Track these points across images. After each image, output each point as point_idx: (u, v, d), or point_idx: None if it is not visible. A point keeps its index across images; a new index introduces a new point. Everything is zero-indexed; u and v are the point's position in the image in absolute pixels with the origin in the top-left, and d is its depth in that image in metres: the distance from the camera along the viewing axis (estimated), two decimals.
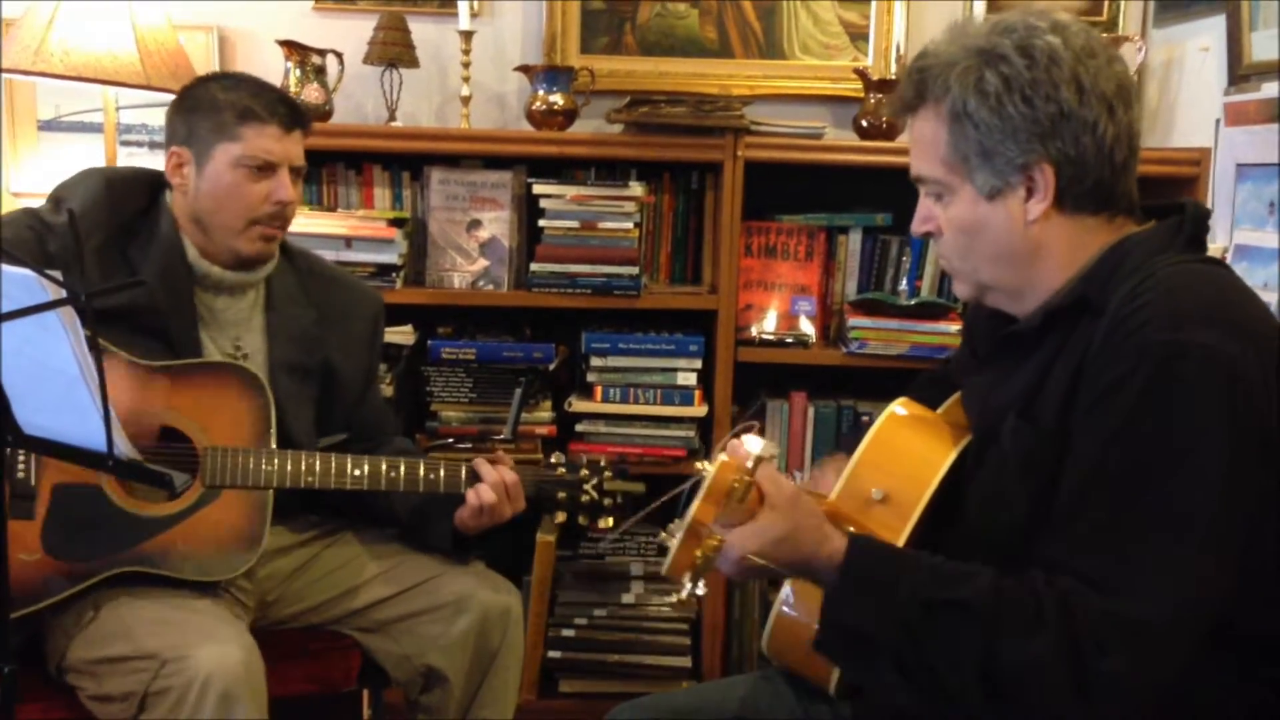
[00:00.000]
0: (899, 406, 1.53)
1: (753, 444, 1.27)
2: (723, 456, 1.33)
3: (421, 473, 1.99)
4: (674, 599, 1.35)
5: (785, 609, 1.49)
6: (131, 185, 2.02)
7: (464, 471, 2.00)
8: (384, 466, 1.98)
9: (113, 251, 1.94)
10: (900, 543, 1.38)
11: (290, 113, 1.99)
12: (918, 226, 1.44)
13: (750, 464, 1.26)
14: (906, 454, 1.46)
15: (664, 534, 1.36)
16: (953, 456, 1.44)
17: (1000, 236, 1.36)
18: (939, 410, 1.58)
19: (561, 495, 2.06)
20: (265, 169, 1.96)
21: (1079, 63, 1.30)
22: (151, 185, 2.04)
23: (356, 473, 1.97)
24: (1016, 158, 1.31)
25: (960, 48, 1.33)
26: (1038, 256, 1.36)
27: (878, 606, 1.27)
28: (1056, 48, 1.30)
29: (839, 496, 1.43)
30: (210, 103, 1.96)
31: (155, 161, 2.41)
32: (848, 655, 1.34)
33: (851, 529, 1.39)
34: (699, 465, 1.34)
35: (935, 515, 1.41)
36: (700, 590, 1.30)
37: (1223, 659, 1.26)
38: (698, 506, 1.28)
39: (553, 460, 2.12)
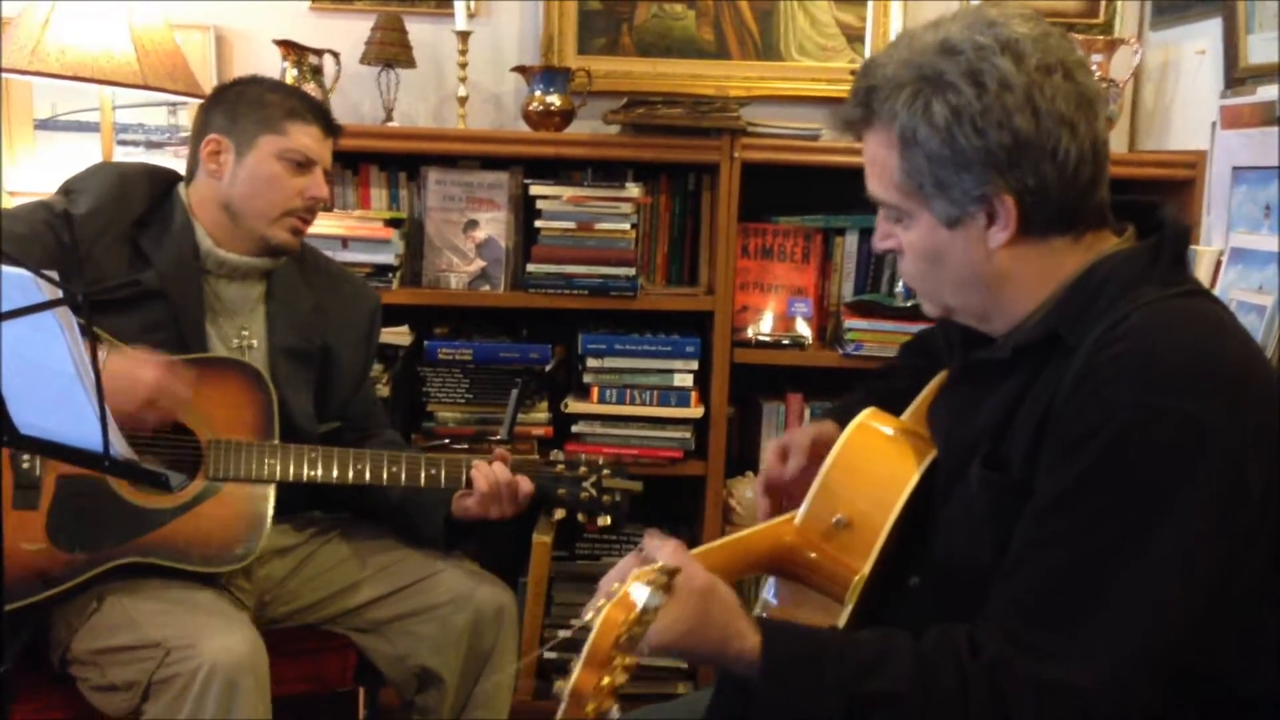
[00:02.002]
0: (866, 419, 1.46)
1: (639, 594, 1.13)
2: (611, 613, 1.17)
3: (423, 468, 2.01)
4: None
5: (764, 616, 1.46)
6: (144, 179, 2.06)
7: (465, 469, 2.02)
8: (386, 461, 2.00)
9: (126, 244, 1.97)
10: (866, 569, 1.32)
11: (330, 122, 2.11)
12: (878, 243, 1.37)
13: (636, 614, 1.14)
14: (871, 475, 1.40)
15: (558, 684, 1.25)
16: (917, 476, 1.38)
17: (962, 264, 1.29)
18: (908, 410, 1.54)
19: (561, 492, 2.08)
20: (304, 165, 2.04)
21: (1033, 85, 1.20)
22: (164, 180, 2.09)
23: (359, 466, 1.99)
24: (973, 189, 1.23)
25: (906, 65, 1.25)
26: (1004, 283, 1.29)
27: (803, 707, 1.18)
28: (1008, 73, 1.20)
29: (803, 522, 1.39)
30: (257, 99, 2.04)
31: (151, 161, 2.41)
32: None
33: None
34: (588, 615, 1.18)
35: (905, 533, 1.38)
36: (615, 715, 1.16)
37: (1204, 710, 1.22)
38: (579, 674, 1.14)
39: (551, 458, 2.14)
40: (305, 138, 2.04)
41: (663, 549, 1.24)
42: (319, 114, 2.08)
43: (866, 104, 1.29)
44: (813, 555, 1.38)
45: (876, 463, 1.42)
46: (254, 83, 2.09)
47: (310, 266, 2.20)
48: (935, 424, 1.45)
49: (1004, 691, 1.14)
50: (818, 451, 1.49)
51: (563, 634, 1.20)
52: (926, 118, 1.23)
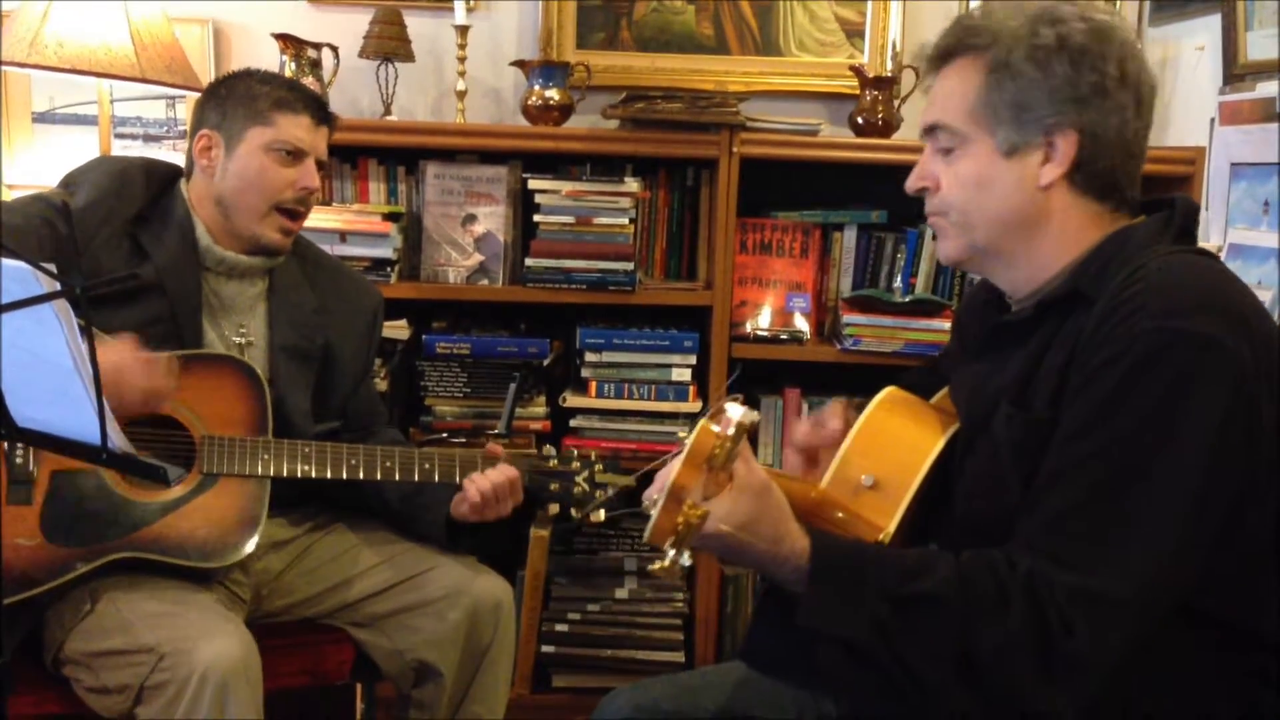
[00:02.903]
0: (891, 392, 1.52)
1: (734, 411, 1.21)
2: (706, 423, 1.27)
3: (417, 463, 2.01)
4: (656, 566, 1.22)
5: None
6: (145, 174, 2.05)
7: (459, 463, 2.03)
8: (380, 456, 2.00)
9: (125, 239, 1.97)
10: (891, 528, 1.37)
11: (321, 109, 2.08)
12: (915, 182, 1.43)
13: (732, 430, 1.21)
14: (897, 440, 1.45)
15: (645, 502, 1.32)
16: (943, 442, 1.44)
17: (1008, 196, 1.35)
18: (931, 400, 1.58)
19: (554, 486, 2.09)
20: (294, 155, 2.02)
21: (1126, 49, 1.33)
22: (165, 175, 2.07)
23: (353, 462, 1.99)
24: (1047, 117, 1.32)
25: (1018, 10, 1.35)
26: (1038, 226, 1.36)
27: (849, 609, 1.24)
28: (1114, 25, 1.33)
29: (830, 483, 1.42)
30: (246, 91, 2.03)
31: (149, 154, 2.41)
32: (824, 659, 1.29)
33: (828, 515, 1.38)
34: (681, 435, 1.30)
35: (926, 500, 1.41)
36: (685, 560, 1.22)
37: (1208, 647, 1.26)
38: (680, 470, 1.23)
39: (544, 452, 2.15)
40: (294, 128, 2.02)
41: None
42: (308, 103, 2.06)
43: (966, 33, 1.37)
44: (839, 514, 1.41)
45: (902, 429, 1.47)
46: (245, 75, 2.07)
47: (311, 263, 2.19)
48: (957, 391, 1.51)
49: (1042, 600, 1.19)
50: (850, 421, 1.54)
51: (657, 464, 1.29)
52: (1031, 42, 1.32)
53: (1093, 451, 1.22)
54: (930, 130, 1.41)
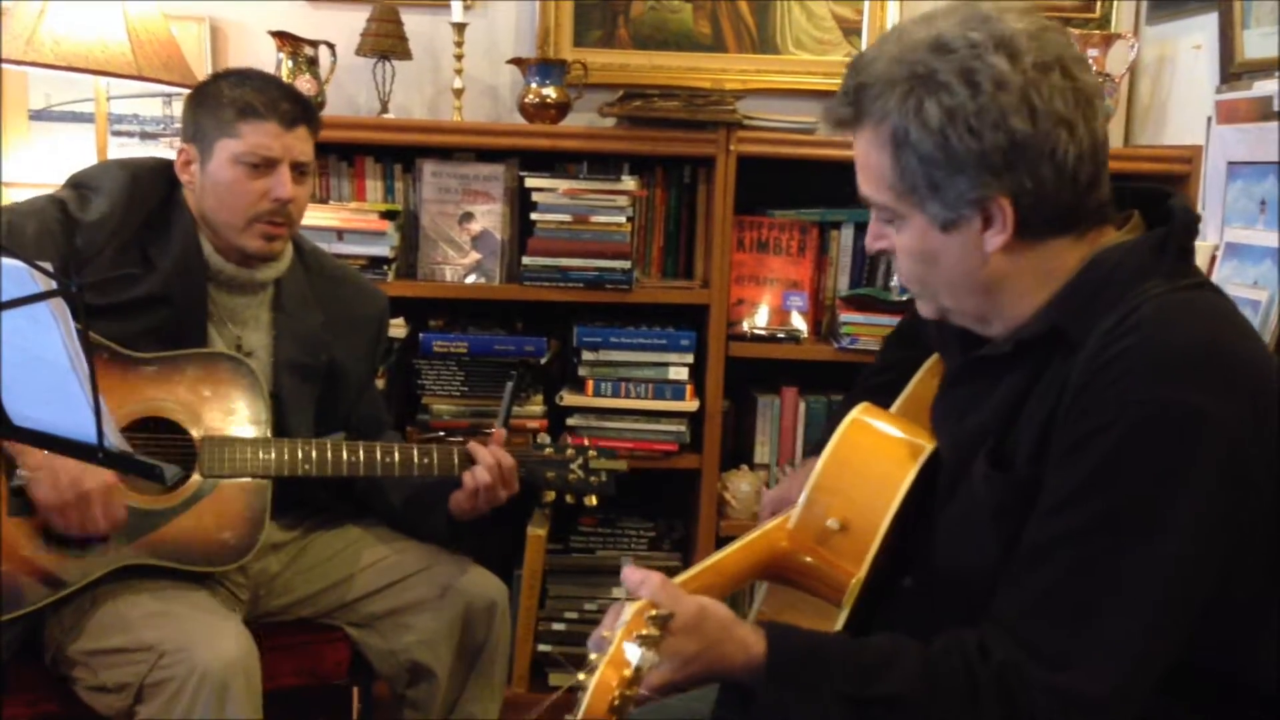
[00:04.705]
0: (859, 416, 1.44)
1: (631, 653, 1.11)
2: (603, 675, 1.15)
3: (416, 457, 2.01)
4: None
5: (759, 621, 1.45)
6: (153, 179, 2.00)
7: (457, 455, 2.02)
8: (379, 452, 2.00)
9: (133, 248, 1.93)
10: (863, 573, 1.31)
11: (293, 109, 1.96)
12: (871, 244, 1.34)
13: (630, 674, 1.11)
14: (864, 476, 1.38)
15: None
16: (912, 475, 1.36)
17: (957, 267, 1.25)
18: (899, 399, 1.53)
19: (550, 474, 2.11)
20: (264, 166, 1.93)
21: (1030, 84, 1.16)
22: (170, 178, 2.02)
23: (352, 459, 1.99)
24: (968, 192, 1.19)
25: (897, 63, 1.20)
26: (1001, 286, 1.25)
27: (805, 710, 1.17)
28: (1003, 71, 1.16)
29: (798, 525, 1.37)
30: (215, 99, 1.95)
31: (146, 152, 2.41)
32: None
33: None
34: (580, 676, 1.17)
35: (900, 532, 1.36)
36: None
37: (1205, 703, 1.21)
38: None
39: (539, 441, 2.17)
40: (259, 136, 1.92)
41: (645, 586, 1.21)
42: (277, 105, 1.94)
43: (857, 102, 1.24)
44: (808, 559, 1.37)
45: (871, 462, 1.40)
46: (218, 80, 1.99)
47: (317, 274, 2.15)
48: (937, 424, 1.42)
49: (1014, 695, 1.13)
50: None
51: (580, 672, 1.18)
52: (919, 118, 1.18)
53: (1073, 531, 1.14)
54: (866, 201, 1.31)
